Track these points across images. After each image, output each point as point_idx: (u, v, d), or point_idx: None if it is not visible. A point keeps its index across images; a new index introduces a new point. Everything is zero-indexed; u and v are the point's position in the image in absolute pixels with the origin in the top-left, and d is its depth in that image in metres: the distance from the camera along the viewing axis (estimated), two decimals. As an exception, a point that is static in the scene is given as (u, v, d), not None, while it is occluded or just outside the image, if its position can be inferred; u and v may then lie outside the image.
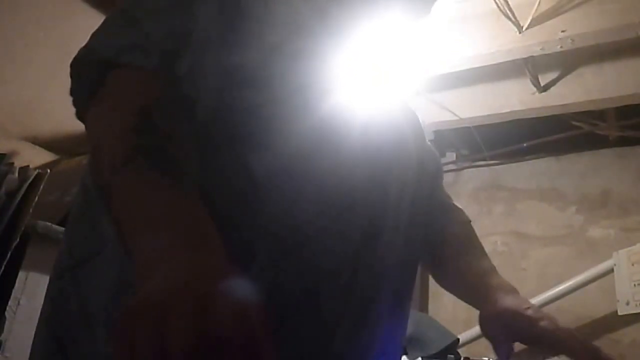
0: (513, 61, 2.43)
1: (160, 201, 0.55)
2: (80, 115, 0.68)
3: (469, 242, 1.01)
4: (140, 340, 0.42)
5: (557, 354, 0.87)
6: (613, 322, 2.60)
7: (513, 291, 0.91)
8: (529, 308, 0.87)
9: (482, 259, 0.98)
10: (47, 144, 2.72)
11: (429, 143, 1.04)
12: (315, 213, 0.70)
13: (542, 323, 0.84)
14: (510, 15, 2.22)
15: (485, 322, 0.89)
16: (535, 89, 2.57)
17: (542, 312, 0.88)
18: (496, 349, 0.87)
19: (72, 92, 0.69)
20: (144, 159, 0.57)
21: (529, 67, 2.49)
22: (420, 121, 1.05)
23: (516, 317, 0.85)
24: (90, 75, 0.65)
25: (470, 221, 1.04)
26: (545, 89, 2.57)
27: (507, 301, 0.88)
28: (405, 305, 0.85)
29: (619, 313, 2.48)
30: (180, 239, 0.51)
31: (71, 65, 0.67)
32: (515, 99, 2.64)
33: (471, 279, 0.95)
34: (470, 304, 0.95)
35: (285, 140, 0.70)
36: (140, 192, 0.56)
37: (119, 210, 0.56)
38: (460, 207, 1.05)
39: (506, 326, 0.86)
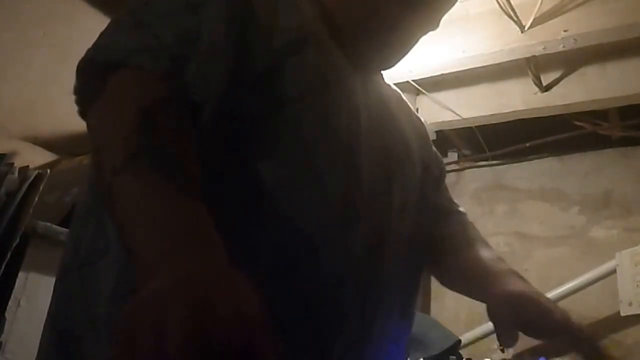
0: (515, 61, 2.42)
1: (161, 202, 0.55)
2: (83, 114, 0.68)
3: (470, 236, 0.97)
4: (139, 340, 0.42)
5: (566, 352, 0.80)
6: (616, 323, 2.59)
7: (522, 278, 0.85)
8: (541, 297, 0.80)
9: (484, 249, 0.93)
10: (47, 144, 2.72)
11: (433, 147, 1.03)
12: (322, 224, 0.69)
13: (555, 315, 0.78)
14: (513, 14, 2.21)
15: (492, 306, 0.81)
16: (537, 89, 2.57)
17: (554, 304, 0.81)
18: (500, 336, 0.79)
19: (77, 92, 0.68)
20: (145, 159, 0.57)
21: (531, 66, 2.48)
22: (425, 124, 1.04)
23: (527, 303, 0.79)
24: (96, 75, 0.65)
25: (472, 223, 1.03)
26: (547, 88, 2.57)
27: (518, 285, 0.81)
28: (408, 315, 0.84)
29: (622, 314, 2.47)
30: (181, 240, 0.51)
31: (78, 66, 0.67)
32: (518, 98, 2.63)
33: (476, 268, 0.89)
34: (475, 296, 0.89)
35: (293, 148, 0.70)
36: (142, 193, 0.55)
37: (120, 211, 0.56)
38: (462, 210, 1.03)
39: (515, 312, 0.78)
